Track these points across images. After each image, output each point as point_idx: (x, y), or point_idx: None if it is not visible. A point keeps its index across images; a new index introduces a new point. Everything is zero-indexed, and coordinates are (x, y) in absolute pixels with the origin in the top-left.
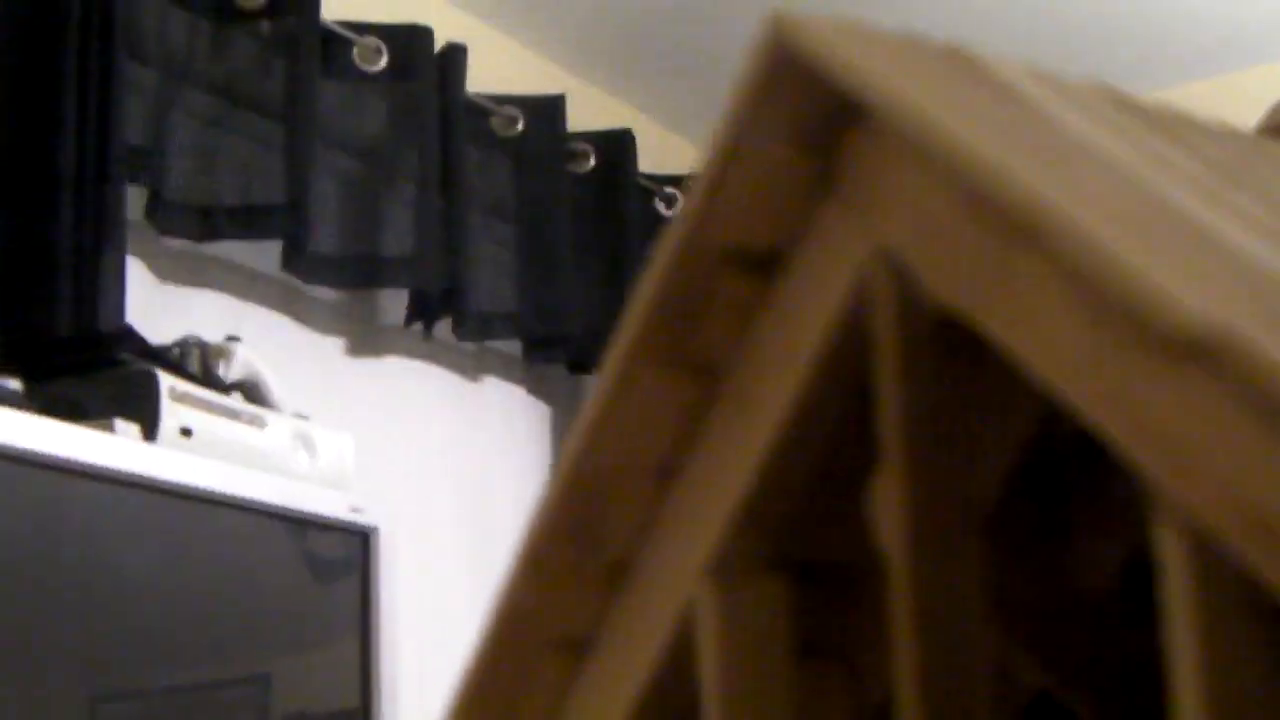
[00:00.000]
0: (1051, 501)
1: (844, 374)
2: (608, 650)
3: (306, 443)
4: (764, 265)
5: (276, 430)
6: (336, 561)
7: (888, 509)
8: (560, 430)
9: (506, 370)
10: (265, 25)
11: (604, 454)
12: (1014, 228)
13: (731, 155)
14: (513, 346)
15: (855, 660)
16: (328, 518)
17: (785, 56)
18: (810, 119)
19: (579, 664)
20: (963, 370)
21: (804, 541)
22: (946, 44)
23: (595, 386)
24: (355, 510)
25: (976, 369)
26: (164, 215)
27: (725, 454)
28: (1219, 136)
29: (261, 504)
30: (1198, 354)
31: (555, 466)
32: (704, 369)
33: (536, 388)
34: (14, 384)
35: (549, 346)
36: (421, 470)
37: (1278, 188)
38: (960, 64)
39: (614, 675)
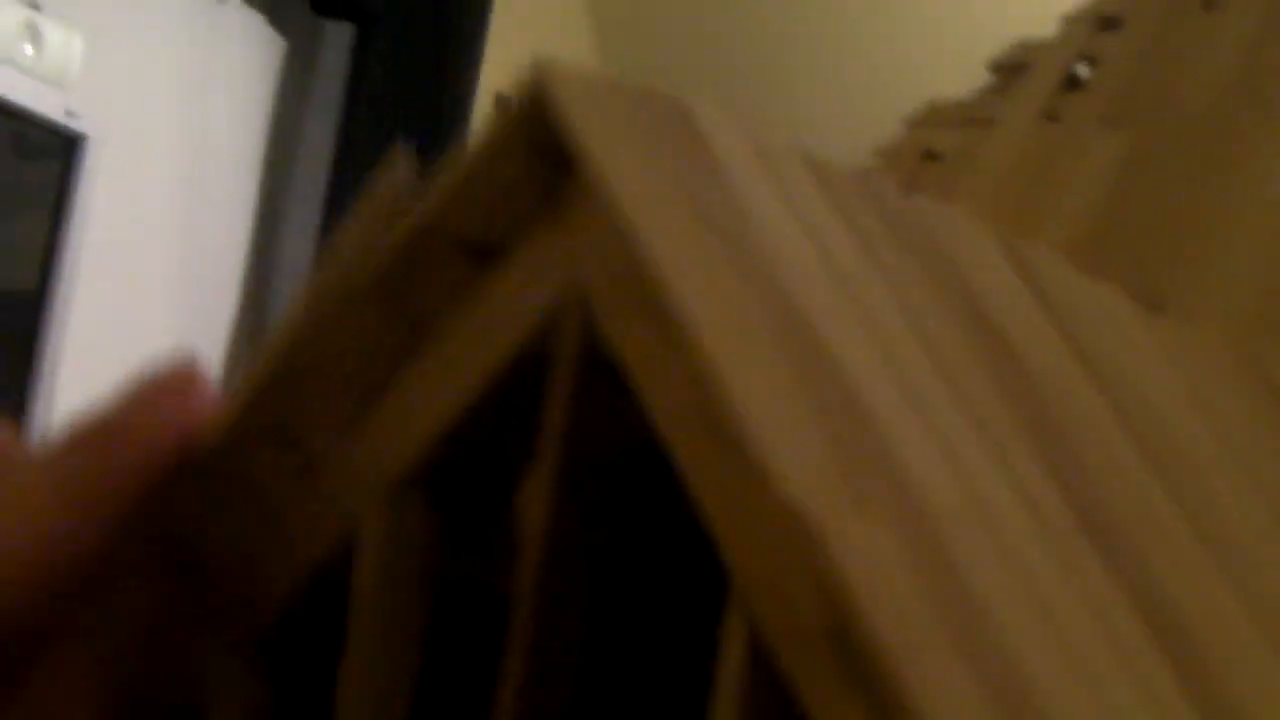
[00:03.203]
0: None
1: (525, 374)
2: (287, 523)
3: (34, 34)
4: (484, 256)
5: (4, 15)
6: (40, 148)
7: (535, 502)
8: (292, 67)
9: None
10: None
11: (309, 361)
12: (664, 331)
13: (477, 165)
14: None
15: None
16: (41, 117)
17: (536, 98)
18: (547, 151)
19: None
20: (621, 405)
21: (465, 478)
22: (678, 105)
23: (306, 302)
24: (70, 114)
25: (633, 410)
26: None
27: (416, 400)
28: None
29: None
30: (785, 515)
31: (256, 362)
32: (415, 321)
33: (277, 20)
34: None
35: None
36: (145, 83)
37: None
38: (681, 130)
39: (288, 546)
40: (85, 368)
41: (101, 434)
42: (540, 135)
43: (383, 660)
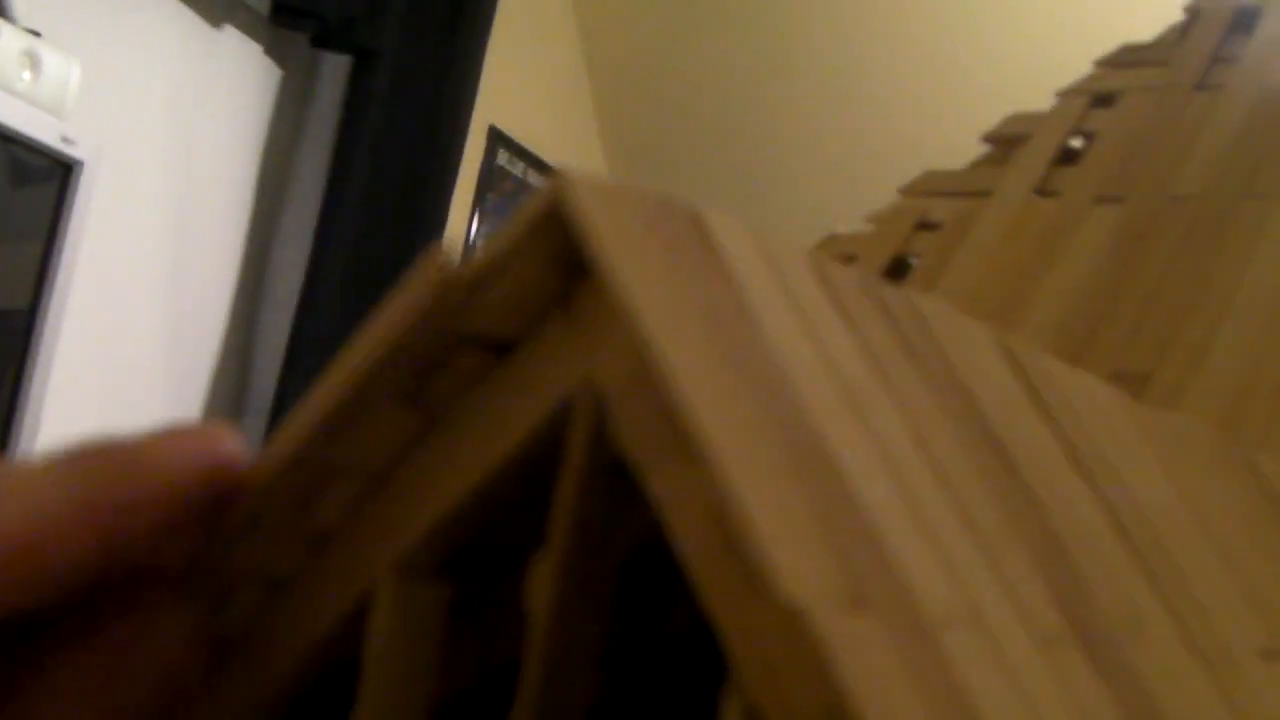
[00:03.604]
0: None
1: (536, 462)
2: (299, 594)
3: (33, 61)
4: (498, 349)
5: (4, 42)
6: (35, 173)
7: (542, 585)
8: (288, 99)
9: (250, 26)
10: None
11: (326, 449)
12: (677, 438)
13: (497, 267)
14: (262, 3)
15: (485, 624)
16: (37, 142)
17: (556, 204)
18: (565, 254)
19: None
20: (627, 499)
21: (473, 556)
22: (693, 214)
23: (325, 392)
24: (66, 141)
25: (638, 503)
26: None
27: (428, 483)
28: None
29: None
30: (787, 616)
31: (276, 444)
32: (428, 409)
33: (275, 51)
34: None
35: (298, 15)
36: (141, 106)
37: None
38: (695, 239)
39: (300, 617)
40: (74, 383)
41: (118, 450)
42: (559, 239)
43: None
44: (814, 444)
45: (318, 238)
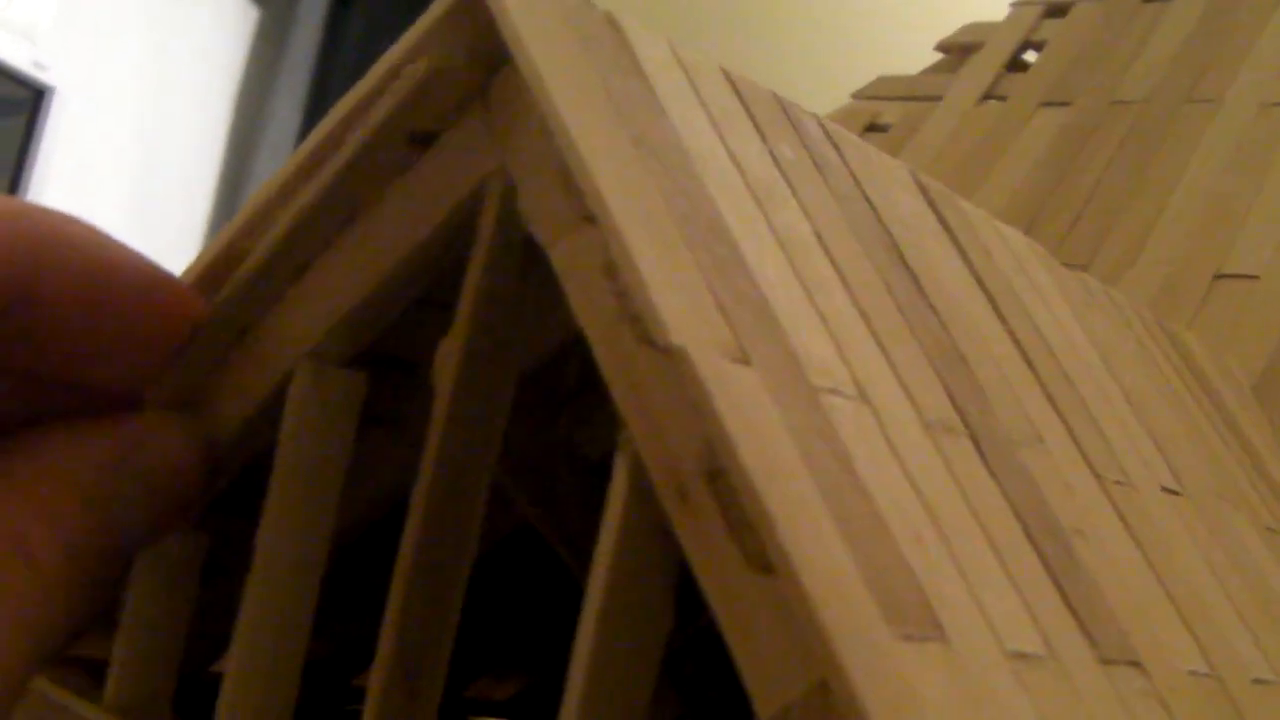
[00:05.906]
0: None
1: (450, 246)
2: (218, 400)
3: None
4: (419, 141)
5: None
6: (5, 99)
7: (445, 363)
8: (265, 39)
9: None
10: None
11: (251, 241)
12: (578, 204)
13: (414, 57)
14: None
15: (405, 430)
16: (8, 67)
17: None
18: (482, 45)
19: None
20: (534, 278)
21: (387, 343)
22: (609, 16)
23: (257, 197)
24: (38, 66)
25: (546, 281)
26: None
27: (347, 270)
28: (822, 138)
29: None
30: (669, 359)
31: (206, 253)
32: (350, 203)
33: None
34: None
35: None
36: (118, 38)
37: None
38: (610, 38)
39: (217, 409)
40: None
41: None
42: (477, 30)
43: (302, 509)
44: (710, 219)
45: None
